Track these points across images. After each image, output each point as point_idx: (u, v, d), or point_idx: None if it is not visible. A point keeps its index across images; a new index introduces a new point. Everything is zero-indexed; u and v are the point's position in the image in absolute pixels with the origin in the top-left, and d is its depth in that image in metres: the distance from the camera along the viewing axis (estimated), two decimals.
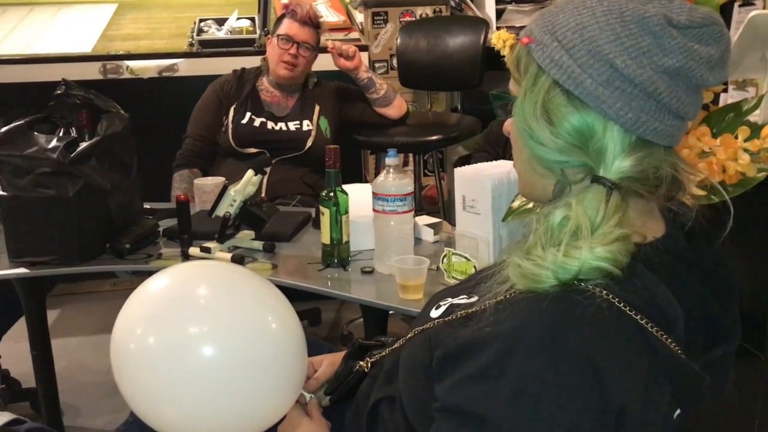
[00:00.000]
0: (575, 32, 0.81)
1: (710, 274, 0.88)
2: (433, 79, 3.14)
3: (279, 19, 2.67)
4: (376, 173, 3.24)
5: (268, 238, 1.91)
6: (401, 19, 3.36)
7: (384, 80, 2.74)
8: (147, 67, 3.16)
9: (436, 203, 3.22)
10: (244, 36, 3.33)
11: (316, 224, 1.93)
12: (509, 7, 3.45)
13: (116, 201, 1.89)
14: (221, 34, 3.35)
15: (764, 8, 2.21)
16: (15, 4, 4.01)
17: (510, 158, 0.96)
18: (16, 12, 3.92)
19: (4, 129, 1.81)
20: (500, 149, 2.51)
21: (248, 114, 2.61)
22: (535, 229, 0.82)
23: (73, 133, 1.87)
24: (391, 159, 1.67)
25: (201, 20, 3.41)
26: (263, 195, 2.41)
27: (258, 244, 1.90)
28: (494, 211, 1.54)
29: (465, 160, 2.93)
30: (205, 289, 1.00)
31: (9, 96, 3.04)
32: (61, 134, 1.85)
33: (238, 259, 1.81)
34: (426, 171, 3.45)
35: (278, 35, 2.60)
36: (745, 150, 1.21)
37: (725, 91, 1.87)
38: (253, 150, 2.56)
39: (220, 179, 2.23)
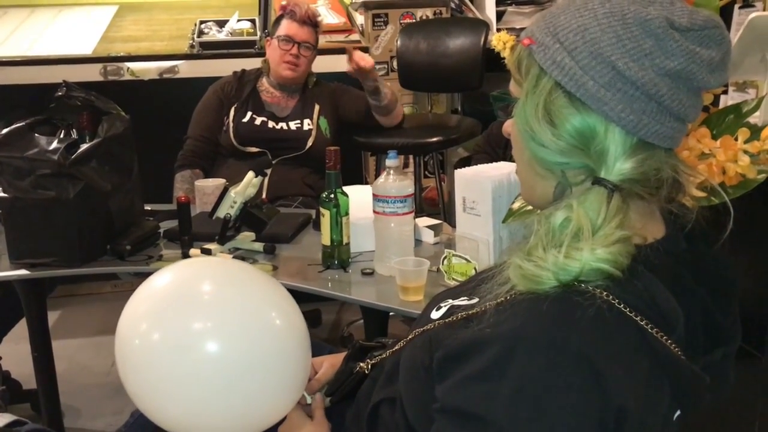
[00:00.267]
0: (577, 34, 0.81)
1: (710, 276, 0.88)
2: (433, 81, 3.14)
3: (277, 20, 2.68)
4: (377, 175, 3.24)
5: (269, 240, 1.91)
6: (401, 21, 3.37)
7: (389, 89, 2.73)
8: (147, 69, 3.16)
9: (436, 205, 3.23)
10: (245, 38, 3.33)
11: (317, 226, 1.93)
12: (509, 8, 3.46)
13: (117, 202, 1.89)
14: (222, 35, 3.35)
15: (764, 10, 2.21)
16: (16, 6, 4.01)
17: (510, 160, 0.96)
18: (17, 14, 3.92)
19: (4, 130, 1.81)
20: (500, 151, 2.51)
21: (249, 113, 2.61)
22: (536, 230, 0.82)
23: (74, 134, 1.87)
24: (392, 160, 1.67)
25: (201, 22, 3.41)
26: (264, 196, 2.41)
27: (258, 246, 1.90)
28: (494, 212, 1.55)
29: (465, 162, 2.93)
30: (209, 285, 1.00)
31: (10, 97, 3.05)
32: (61, 136, 1.85)
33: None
34: (426, 172, 3.45)
35: (278, 36, 2.60)
36: (745, 152, 1.21)
37: (725, 92, 1.87)
38: (254, 149, 2.57)
39: (221, 181, 2.23)
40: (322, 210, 1.73)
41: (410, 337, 0.99)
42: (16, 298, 2.03)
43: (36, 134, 1.81)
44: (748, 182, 1.22)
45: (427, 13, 3.41)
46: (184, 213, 1.89)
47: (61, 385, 2.18)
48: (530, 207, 1.36)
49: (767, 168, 1.21)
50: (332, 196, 1.71)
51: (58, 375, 2.16)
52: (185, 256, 1.87)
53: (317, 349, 1.20)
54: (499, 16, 3.44)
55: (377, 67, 3.37)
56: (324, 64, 2.92)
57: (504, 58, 1.78)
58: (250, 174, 1.86)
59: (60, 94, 1.91)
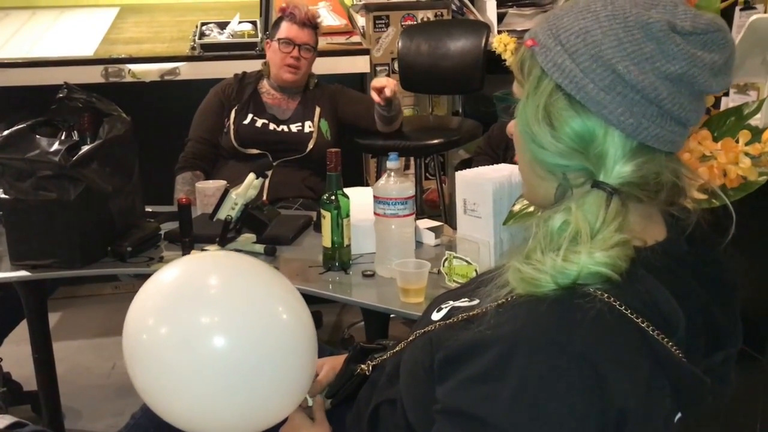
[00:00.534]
0: (578, 36, 0.81)
1: (711, 278, 0.88)
2: (434, 83, 3.14)
3: (277, 22, 2.67)
4: (378, 177, 3.24)
5: (270, 242, 1.91)
6: (402, 23, 3.37)
7: (398, 100, 2.70)
8: (149, 71, 3.17)
9: (437, 207, 3.22)
10: (246, 40, 3.34)
11: (318, 227, 1.93)
12: (510, 10, 3.46)
13: (118, 204, 1.89)
14: (223, 37, 3.36)
15: (765, 12, 2.21)
16: (17, 8, 4.03)
17: (511, 162, 0.96)
18: (19, 16, 3.93)
19: (6, 132, 1.82)
20: (501, 153, 2.51)
21: (250, 115, 2.62)
22: (535, 233, 0.82)
23: (75, 136, 1.87)
24: (393, 162, 1.67)
25: (203, 24, 3.42)
26: (265, 197, 2.41)
27: (259, 248, 1.90)
28: (495, 214, 1.55)
29: (466, 164, 2.93)
30: (216, 279, 1.00)
31: (11, 99, 3.05)
32: (63, 137, 1.85)
33: None
34: (427, 174, 3.45)
35: (279, 39, 2.60)
36: (746, 154, 1.21)
37: (726, 94, 1.87)
38: (255, 151, 2.57)
39: (222, 182, 2.23)
40: (323, 212, 1.73)
41: (411, 338, 0.99)
42: (17, 300, 2.03)
43: (37, 136, 1.81)
44: (749, 184, 1.22)
45: (428, 15, 3.41)
46: (185, 214, 1.89)
47: (62, 387, 2.18)
48: (531, 209, 1.37)
49: None
50: (333, 197, 1.71)
51: (59, 377, 2.16)
52: None
53: (318, 351, 1.20)
54: (500, 18, 3.44)
55: (378, 69, 3.38)
56: (325, 66, 2.92)
57: (505, 60, 1.79)
58: (251, 176, 1.87)
59: (61, 95, 1.91)
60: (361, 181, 3.29)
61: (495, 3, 3.40)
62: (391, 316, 1.68)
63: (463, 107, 3.50)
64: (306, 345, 1.01)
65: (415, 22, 3.36)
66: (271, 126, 2.61)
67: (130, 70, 3.16)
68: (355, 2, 3.72)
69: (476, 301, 0.92)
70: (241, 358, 0.93)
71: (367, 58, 3.33)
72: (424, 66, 3.09)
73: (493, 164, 1.75)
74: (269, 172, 2.31)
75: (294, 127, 2.62)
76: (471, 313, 0.89)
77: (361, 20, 3.55)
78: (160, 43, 3.63)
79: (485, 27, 3.07)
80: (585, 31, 0.80)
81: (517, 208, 1.46)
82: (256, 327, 0.96)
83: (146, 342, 0.95)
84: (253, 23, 3.42)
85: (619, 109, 0.79)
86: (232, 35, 3.37)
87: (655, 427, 0.79)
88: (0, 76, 3.11)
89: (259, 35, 3.30)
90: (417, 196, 2.74)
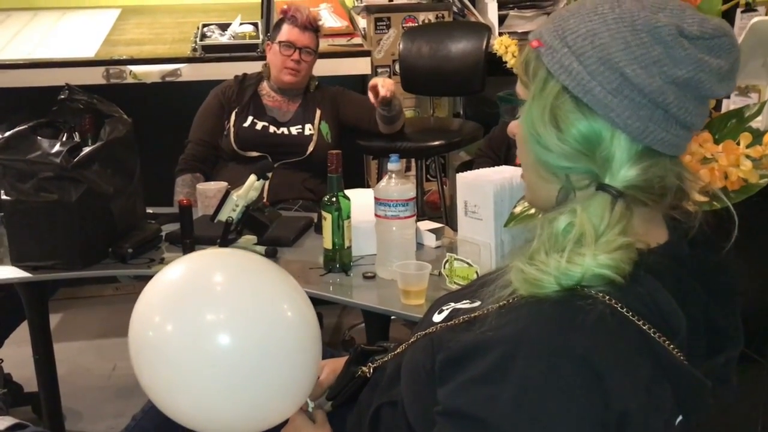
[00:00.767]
0: (586, 39, 0.80)
1: (713, 280, 0.88)
2: (435, 85, 3.14)
3: (278, 25, 2.67)
4: (379, 178, 3.24)
5: (271, 243, 1.91)
6: (404, 25, 3.37)
7: (399, 100, 2.69)
8: (150, 72, 3.17)
9: (438, 208, 3.23)
10: (247, 41, 3.34)
11: (318, 229, 1.93)
12: (511, 12, 3.46)
13: (119, 205, 1.89)
14: (224, 39, 3.36)
15: (767, 14, 2.21)
16: (19, 9, 4.03)
17: (512, 164, 0.96)
18: (20, 17, 3.93)
19: (7, 134, 1.82)
20: (502, 155, 2.51)
21: (250, 118, 2.61)
22: (539, 234, 0.82)
23: (76, 137, 1.87)
24: (394, 164, 1.67)
25: (204, 25, 3.42)
26: (265, 199, 2.41)
27: (260, 249, 1.90)
28: (496, 216, 1.54)
29: (467, 166, 2.93)
30: (221, 276, 1.00)
31: (12, 100, 3.06)
32: (64, 139, 1.85)
33: None
34: (428, 176, 3.45)
35: (279, 42, 2.61)
36: (747, 156, 1.21)
37: (727, 97, 1.87)
38: (255, 153, 2.57)
39: (223, 184, 2.23)
40: (323, 213, 1.73)
41: (412, 340, 0.99)
42: (18, 301, 2.03)
43: (38, 137, 1.81)
44: (750, 187, 1.22)
45: (430, 16, 3.41)
46: (186, 216, 1.89)
47: (63, 388, 2.18)
48: (532, 211, 1.37)
49: None
50: (334, 199, 1.71)
51: (60, 378, 2.16)
52: None
53: None
54: (501, 19, 3.44)
55: (380, 70, 3.38)
56: (326, 68, 2.93)
57: (506, 62, 1.79)
58: (252, 177, 1.87)
59: (62, 97, 1.91)
60: (362, 183, 3.29)
61: (496, 5, 3.40)
62: (392, 318, 1.68)
63: (464, 109, 3.50)
64: (310, 342, 1.01)
65: (416, 24, 3.37)
66: (271, 128, 2.61)
67: (131, 71, 3.16)
68: (356, 4, 3.72)
69: (477, 303, 0.92)
70: (246, 355, 0.94)
71: (368, 59, 3.33)
72: (425, 68, 3.09)
73: (494, 166, 1.75)
74: (270, 174, 2.32)
75: (294, 130, 2.62)
76: (472, 315, 0.89)
77: (362, 22, 3.56)
78: (162, 44, 3.62)
79: (486, 29, 3.07)
80: (593, 33, 0.80)
81: (518, 210, 1.46)
82: (261, 324, 0.96)
83: (152, 339, 0.95)
84: (255, 25, 3.43)
85: (626, 113, 0.79)
86: (233, 37, 3.37)
87: (656, 430, 0.79)
88: (1, 77, 3.11)
89: (261, 37, 3.30)
90: (418, 198, 2.74)
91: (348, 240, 1.75)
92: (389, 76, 3.37)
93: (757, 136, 1.23)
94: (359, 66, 3.30)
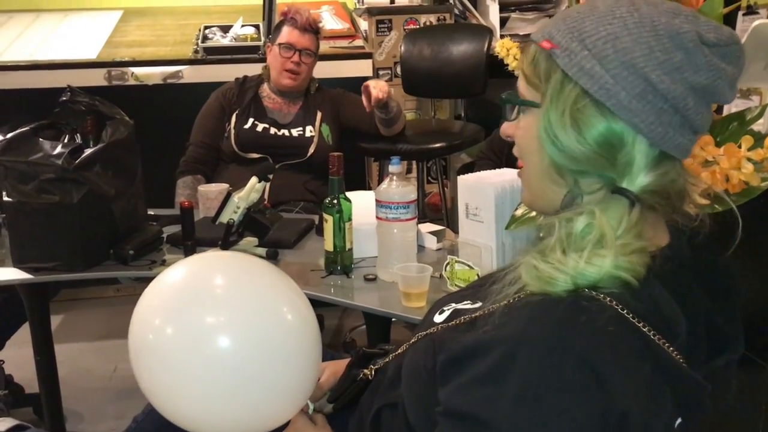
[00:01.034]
0: (606, 42, 0.80)
1: (713, 283, 0.88)
2: (436, 87, 3.14)
3: (278, 27, 2.67)
4: (380, 180, 3.24)
5: (272, 245, 1.91)
6: (405, 27, 3.38)
7: (396, 102, 2.70)
8: (152, 74, 3.17)
9: (439, 211, 3.23)
10: (249, 43, 3.34)
11: (320, 231, 1.93)
12: (513, 15, 3.46)
13: (120, 207, 1.90)
14: (226, 41, 3.36)
15: None
16: (21, 11, 4.03)
17: (513, 166, 0.95)
18: (23, 18, 3.93)
19: (9, 135, 1.82)
20: (504, 157, 2.51)
21: (251, 120, 2.62)
22: (557, 232, 0.81)
23: (78, 139, 1.87)
24: (395, 166, 1.68)
25: (206, 27, 3.42)
26: (266, 201, 2.41)
27: (261, 251, 1.90)
28: (497, 219, 1.55)
29: (468, 168, 2.94)
30: (222, 279, 1.00)
31: (14, 102, 3.06)
32: (65, 140, 1.85)
33: None
34: (429, 178, 3.46)
35: (279, 44, 2.61)
36: (749, 159, 1.21)
37: None
38: (255, 155, 2.57)
39: (224, 186, 2.23)
40: (325, 215, 1.73)
41: (413, 341, 0.99)
42: (19, 302, 2.03)
43: (40, 139, 1.82)
44: (751, 190, 1.22)
45: (431, 19, 3.42)
46: (188, 218, 1.90)
47: (64, 390, 2.18)
48: (534, 213, 1.36)
49: None
50: (335, 201, 1.71)
51: (61, 379, 2.16)
52: None
53: None
54: (503, 22, 3.44)
55: (381, 73, 3.39)
56: (327, 70, 2.93)
57: (507, 65, 1.78)
58: (254, 179, 1.87)
59: (64, 98, 1.91)
60: (363, 185, 3.29)
61: (497, 7, 3.40)
62: (393, 320, 1.68)
63: (465, 111, 3.50)
64: (311, 345, 1.01)
65: (417, 26, 3.37)
66: (272, 130, 2.61)
67: (133, 73, 3.17)
68: (357, 6, 3.73)
69: (479, 304, 0.92)
70: (247, 358, 0.94)
71: (369, 62, 3.34)
72: (427, 70, 3.09)
73: (495, 168, 1.75)
74: (271, 176, 2.32)
75: (295, 132, 2.62)
76: (473, 316, 0.89)
77: (363, 24, 3.56)
78: (163, 46, 3.62)
79: (488, 31, 3.07)
80: (614, 36, 0.80)
81: (519, 212, 1.47)
82: (262, 327, 0.96)
83: (152, 342, 0.95)
84: (256, 27, 3.43)
85: (650, 118, 0.79)
86: (235, 39, 3.37)
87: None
88: (3, 79, 3.12)
89: (262, 39, 3.30)
90: (419, 200, 2.75)
91: (349, 242, 1.75)
92: (390, 79, 3.38)
93: (758, 139, 1.23)
94: (361, 68, 3.31)
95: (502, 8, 3.42)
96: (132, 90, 3.15)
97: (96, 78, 3.11)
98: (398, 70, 3.28)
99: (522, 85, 0.88)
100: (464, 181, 1.62)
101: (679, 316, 0.81)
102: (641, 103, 0.79)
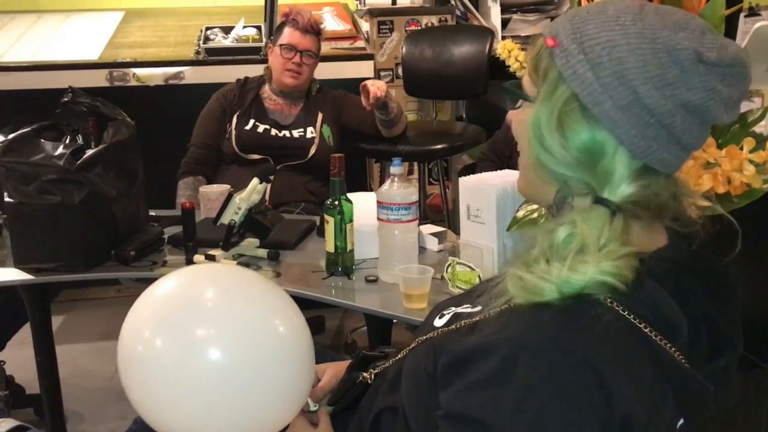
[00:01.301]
0: (603, 48, 0.79)
1: (713, 284, 0.88)
2: (438, 88, 3.14)
3: (279, 27, 2.68)
4: (381, 182, 3.24)
5: (273, 246, 1.91)
6: (407, 28, 3.38)
7: (396, 103, 2.71)
8: (153, 75, 3.17)
9: (440, 212, 3.23)
10: (250, 44, 3.35)
11: (321, 232, 1.93)
12: (515, 16, 3.46)
13: (121, 208, 1.90)
14: (227, 42, 3.37)
15: None
16: (23, 12, 4.03)
17: (514, 168, 0.95)
18: (24, 19, 3.94)
19: (10, 136, 1.82)
20: (505, 159, 2.51)
21: (252, 121, 2.62)
22: (539, 243, 0.81)
23: (80, 140, 1.88)
24: (396, 168, 1.67)
25: (207, 28, 3.43)
26: (267, 202, 2.41)
27: (262, 252, 1.90)
28: (499, 220, 1.54)
29: (470, 170, 2.94)
30: (212, 291, 1.00)
31: (16, 103, 3.06)
32: (67, 141, 1.85)
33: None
34: (431, 180, 3.45)
35: (281, 45, 2.61)
36: (751, 161, 1.21)
37: None
38: (256, 156, 2.57)
39: (226, 187, 2.23)
40: (326, 217, 1.73)
41: (413, 345, 0.99)
42: (21, 303, 2.04)
43: (42, 140, 1.82)
44: (753, 192, 1.22)
45: (433, 20, 3.42)
46: (189, 219, 1.90)
47: (65, 390, 2.18)
48: (535, 215, 1.37)
49: None
50: (336, 202, 1.71)
51: (62, 380, 2.16)
52: (189, 262, 1.87)
53: (320, 356, 1.20)
54: (504, 23, 3.44)
55: (382, 74, 3.39)
56: (328, 71, 2.93)
57: (509, 66, 1.78)
58: (255, 180, 1.87)
59: (66, 99, 1.91)
60: (364, 186, 3.29)
61: (499, 9, 3.40)
62: (394, 321, 1.68)
63: (466, 112, 3.50)
64: (303, 358, 1.01)
65: (419, 28, 3.37)
66: (273, 131, 2.61)
67: (134, 74, 3.17)
68: (359, 7, 3.73)
69: (479, 308, 0.92)
70: (237, 371, 0.93)
71: (371, 63, 3.34)
72: (428, 71, 3.09)
73: (496, 170, 1.75)
74: (272, 177, 2.32)
75: (296, 133, 2.62)
76: (474, 319, 0.89)
77: (365, 25, 3.56)
78: (165, 47, 3.62)
79: (489, 32, 3.07)
80: (612, 44, 0.79)
81: (520, 214, 1.46)
82: (253, 340, 0.95)
83: (141, 354, 0.94)
84: (258, 28, 3.43)
85: (633, 131, 0.79)
86: (236, 40, 3.37)
87: None
88: (5, 80, 3.12)
89: (264, 40, 3.31)
90: (420, 202, 2.75)
91: (350, 243, 1.75)
92: (392, 80, 3.38)
93: (760, 141, 1.23)
94: (362, 69, 3.31)
95: (504, 10, 3.42)
96: (133, 91, 3.16)
97: (97, 79, 3.12)
98: (399, 71, 3.28)
99: (525, 78, 0.88)
100: (466, 182, 1.62)
101: (680, 317, 0.81)
102: (626, 115, 0.79)
